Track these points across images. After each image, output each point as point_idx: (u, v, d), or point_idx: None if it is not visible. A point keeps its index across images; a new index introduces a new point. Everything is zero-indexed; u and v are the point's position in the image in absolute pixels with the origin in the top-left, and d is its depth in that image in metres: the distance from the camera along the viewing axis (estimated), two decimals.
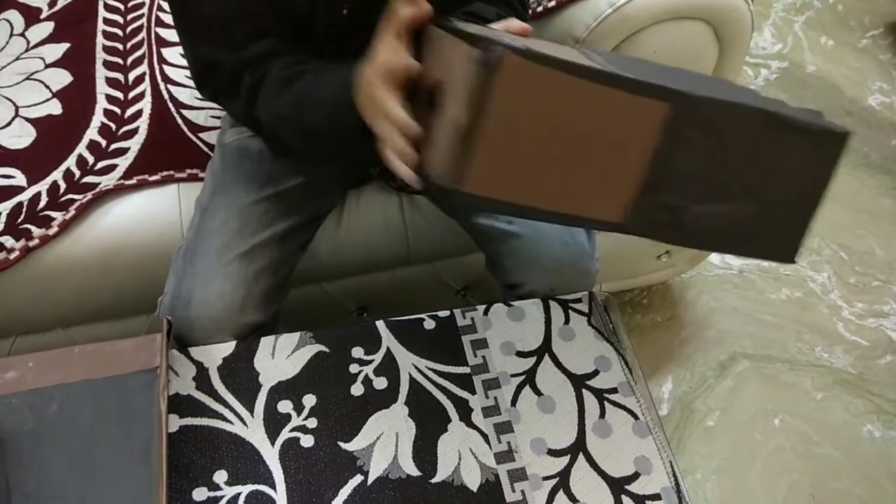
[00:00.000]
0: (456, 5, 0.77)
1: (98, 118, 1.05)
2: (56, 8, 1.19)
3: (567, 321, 0.81)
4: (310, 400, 0.74)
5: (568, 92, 0.51)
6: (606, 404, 0.75)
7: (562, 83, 0.50)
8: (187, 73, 1.11)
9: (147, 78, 1.11)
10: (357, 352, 0.78)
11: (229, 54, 0.74)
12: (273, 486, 0.68)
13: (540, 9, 1.00)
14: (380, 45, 0.61)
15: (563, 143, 0.53)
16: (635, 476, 0.71)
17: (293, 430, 0.72)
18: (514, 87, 0.50)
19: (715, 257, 1.58)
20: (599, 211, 0.57)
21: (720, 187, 0.57)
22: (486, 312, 0.82)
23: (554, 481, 0.70)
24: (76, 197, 0.96)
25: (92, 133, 1.03)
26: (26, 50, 1.14)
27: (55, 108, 1.06)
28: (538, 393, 0.75)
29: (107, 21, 1.18)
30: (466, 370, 0.77)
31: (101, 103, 1.07)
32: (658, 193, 0.56)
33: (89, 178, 0.98)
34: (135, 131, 1.04)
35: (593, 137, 0.53)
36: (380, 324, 0.80)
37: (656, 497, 0.69)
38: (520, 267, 0.86)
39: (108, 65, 1.12)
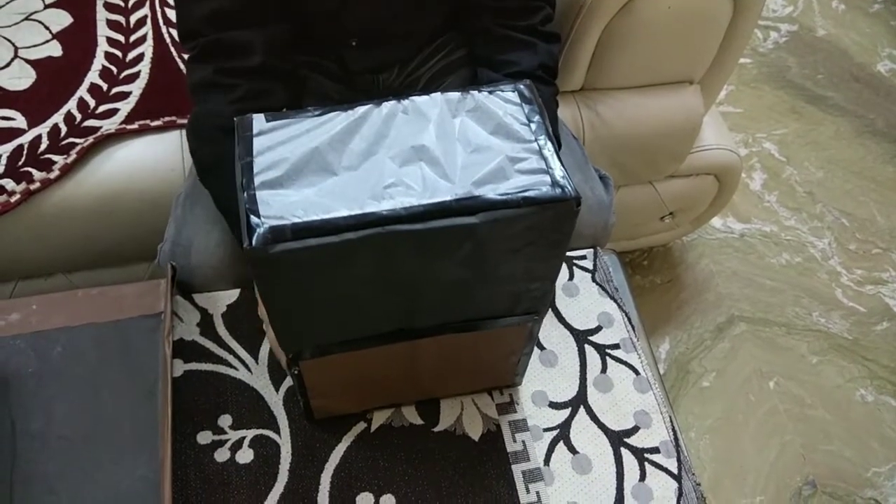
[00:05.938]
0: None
1: (99, 61, 1.03)
2: None
3: (571, 277, 0.81)
4: None
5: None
6: (608, 359, 0.75)
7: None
8: None
9: (149, 21, 1.09)
10: None
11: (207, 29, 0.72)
12: (277, 431, 0.68)
13: None
14: None
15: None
16: (635, 429, 0.71)
17: None
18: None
19: (716, 221, 1.58)
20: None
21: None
22: None
23: (554, 433, 0.70)
24: (77, 140, 0.95)
25: (93, 76, 1.01)
26: None
27: (55, 49, 1.04)
28: (541, 347, 0.76)
29: None
30: None
31: (102, 46, 1.05)
32: None
33: (90, 122, 0.96)
34: (136, 75, 1.02)
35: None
36: None
37: (655, 450, 0.70)
38: None
39: (108, 7, 1.10)
